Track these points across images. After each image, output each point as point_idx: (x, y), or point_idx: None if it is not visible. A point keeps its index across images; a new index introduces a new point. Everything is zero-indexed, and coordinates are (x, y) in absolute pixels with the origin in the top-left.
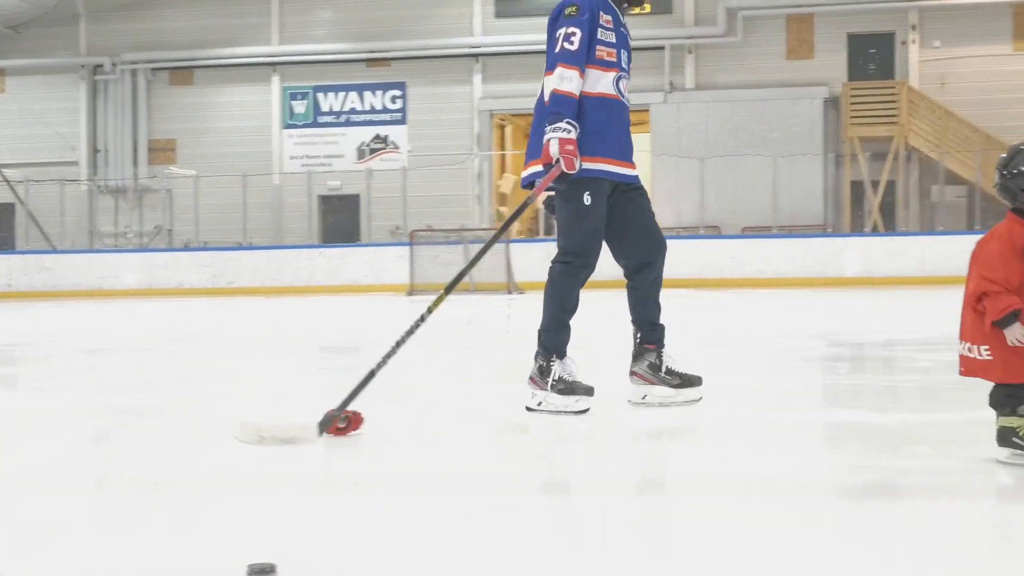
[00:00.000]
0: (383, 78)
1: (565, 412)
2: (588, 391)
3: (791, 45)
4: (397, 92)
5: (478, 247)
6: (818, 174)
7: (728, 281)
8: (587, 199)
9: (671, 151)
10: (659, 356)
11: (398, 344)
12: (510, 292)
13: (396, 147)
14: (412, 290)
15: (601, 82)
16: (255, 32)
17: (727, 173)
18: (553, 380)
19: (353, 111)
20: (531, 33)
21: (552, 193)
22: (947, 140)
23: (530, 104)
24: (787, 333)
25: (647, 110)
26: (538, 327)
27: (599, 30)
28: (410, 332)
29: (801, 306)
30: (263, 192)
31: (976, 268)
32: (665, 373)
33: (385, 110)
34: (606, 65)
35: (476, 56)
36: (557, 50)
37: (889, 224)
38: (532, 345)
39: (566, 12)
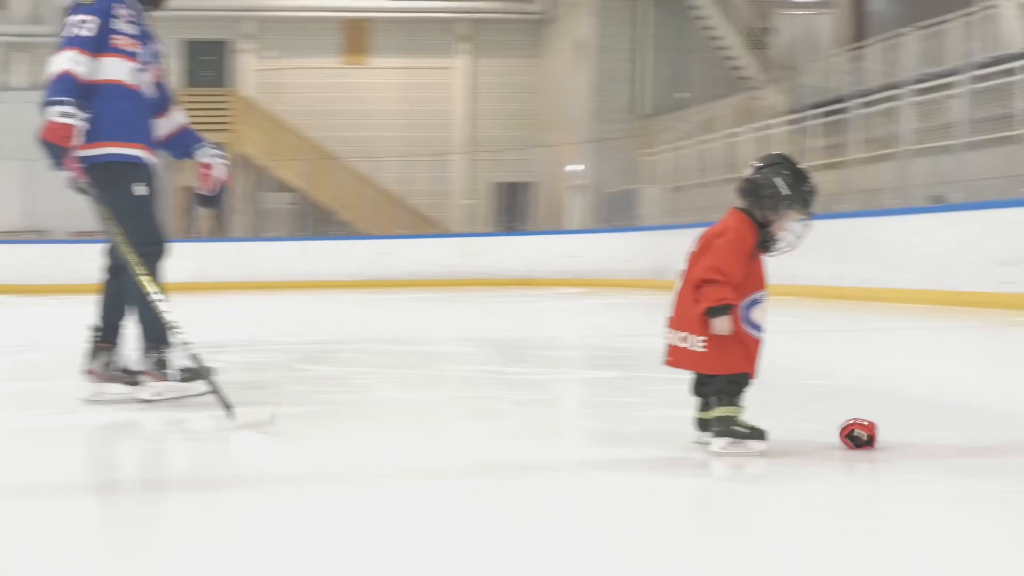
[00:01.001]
0: None
1: (191, 396)
2: (209, 372)
3: None
4: None
5: None
6: None
7: (56, 287)
8: (138, 189)
9: (2, 152)
10: (112, 355)
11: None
12: None
13: None
14: None
15: (121, 70)
16: None
17: (56, 176)
18: (176, 370)
19: None
20: None
21: (72, 174)
22: (278, 148)
23: None
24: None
25: None
26: (131, 323)
27: (117, 21)
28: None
29: None
30: None
31: (705, 258)
32: (119, 371)
33: None
34: (127, 54)
35: None
36: (70, 35)
37: (222, 230)
38: None
39: (83, 1)
